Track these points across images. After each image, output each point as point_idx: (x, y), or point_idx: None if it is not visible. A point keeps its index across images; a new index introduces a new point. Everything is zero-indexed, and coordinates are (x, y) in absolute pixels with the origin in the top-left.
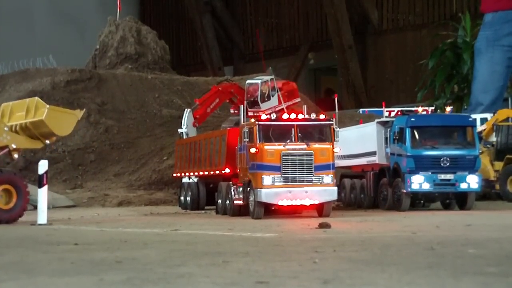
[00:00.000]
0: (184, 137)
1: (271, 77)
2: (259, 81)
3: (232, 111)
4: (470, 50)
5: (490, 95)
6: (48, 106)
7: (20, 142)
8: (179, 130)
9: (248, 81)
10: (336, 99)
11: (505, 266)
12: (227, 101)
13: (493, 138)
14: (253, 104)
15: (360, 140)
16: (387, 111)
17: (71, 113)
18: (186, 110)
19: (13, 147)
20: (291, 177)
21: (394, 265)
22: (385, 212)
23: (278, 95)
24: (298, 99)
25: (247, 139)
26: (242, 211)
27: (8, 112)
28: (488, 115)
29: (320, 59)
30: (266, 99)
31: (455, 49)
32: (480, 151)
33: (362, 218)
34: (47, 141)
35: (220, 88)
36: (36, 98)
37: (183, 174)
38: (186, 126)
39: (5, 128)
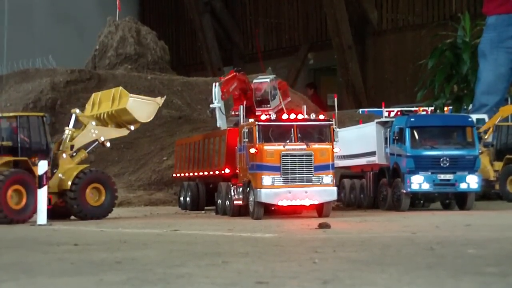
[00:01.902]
0: (217, 113)
1: (274, 76)
2: (268, 80)
3: (232, 112)
4: (470, 50)
5: (495, 97)
6: (130, 95)
7: (107, 134)
8: (211, 106)
9: (255, 80)
10: (335, 100)
11: (504, 266)
12: (239, 91)
13: (490, 138)
14: (261, 103)
15: (359, 140)
16: (386, 111)
17: (152, 100)
18: (214, 84)
19: (102, 140)
20: (290, 177)
21: (394, 265)
22: (385, 212)
23: (279, 95)
24: (289, 99)
25: (247, 140)
26: (241, 212)
27: (97, 101)
28: (484, 116)
29: (319, 59)
30: (272, 99)
31: (455, 49)
32: (480, 151)
33: (362, 218)
34: (132, 127)
35: (237, 74)
36: (120, 87)
37: (183, 175)
38: (218, 100)
39: (93, 123)
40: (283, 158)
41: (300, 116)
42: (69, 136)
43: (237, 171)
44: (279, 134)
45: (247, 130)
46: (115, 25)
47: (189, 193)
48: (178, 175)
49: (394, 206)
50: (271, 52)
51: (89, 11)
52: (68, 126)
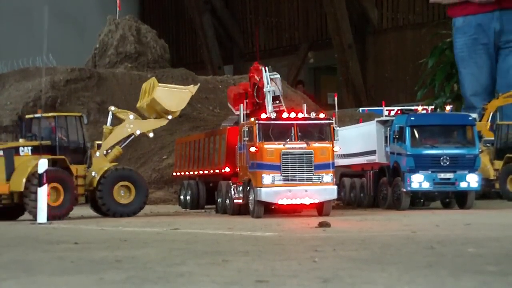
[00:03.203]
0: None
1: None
2: (278, 76)
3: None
4: None
5: (483, 97)
6: (159, 84)
7: (143, 127)
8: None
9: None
10: (336, 98)
11: (504, 265)
12: (250, 86)
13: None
14: (273, 99)
15: (360, 139)
16: (387, 110)
17: (183, 89)
18: (264, 69)
19: (138, 133)
20: (291, 176)
21: (394, 264)
22: (385, 211)
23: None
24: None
25: (247, 138)
26: (242, 210)
27: (143, 92)
28: (475, 115)
29: (320, 58)
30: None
31: None
32: (480, 150)
33: (362, 217)
34: (169, 117)
35: (252, 67)
36: (153, 78)
37: (183, 174)
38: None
39: (130, 117)
40: (283, 157)
41: (300, 115)
42: (105, 134)
43: (237, 169)
44: (279, 132)
45: (247, 129)
46: (115, 24)
47: (189, 192)
48: (178, 173)
49: (394, 205)
50: (271, 51)
51: (89, 10)
52: (106, 125)
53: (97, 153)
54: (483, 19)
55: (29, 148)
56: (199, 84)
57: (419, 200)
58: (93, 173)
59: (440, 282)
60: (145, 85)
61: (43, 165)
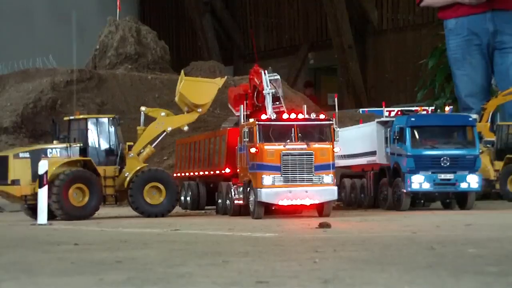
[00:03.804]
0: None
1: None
2: (278, 76)
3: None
4: None
5: (478, 97)
6: (185, 78)
7: (175, 123)
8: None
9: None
10: (336, 99)
11: (505, 265)
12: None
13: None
14: (273, 101)
15: (360, 140)
16: (387, 111)
17: (210, 82)
18: (264, 72)
19: (169, 130)
20: (291, 177)
21: (394, 264)
22: (385, 211)
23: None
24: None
25: (247, 139)
26: (242, 211)
27: (178, 85)
28: (475, 116)
29: (320, 59)
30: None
31: None
32: (480, 150)
33: (362, 218)
34: (199, 110)
35: (252, 70)
36: (182, 71)
37: (183, 175)
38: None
39: (162, 114)
40: (283, 158)
41: (300, 116)
42: (139, 134)
43: (237, 170)
44: (279, 133)
45: (247, 130)
46: (115, 25)
47: (190, 193)
48: (179, 174)
49: (394, 205)
50: (271, 52)
51: (89, 11)
52: (140, 125)
53: (131, 154)
54: (475, 20)
55: (58, 150)
56: (226, 77)
57: (420, 201)
58: (126, 174)
59: (440, 283)
60: (179, 78)
61: (43, 166)
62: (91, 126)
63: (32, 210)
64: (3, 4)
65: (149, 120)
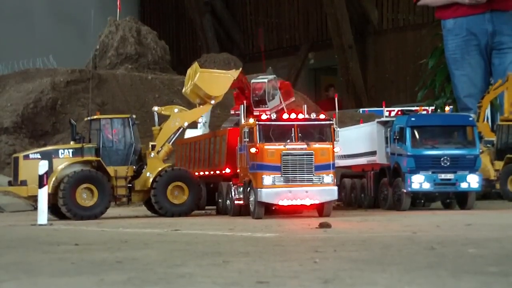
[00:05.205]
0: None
1: (273, 76)
2: (265, 80)
3: (232, 111)
4: None
5: (477, 98)
6: (200, 69)
7: (190, 117)
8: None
9: (253, 80)
10: (336, 99)
11: (505, 265)
12: (237, 89)
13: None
14: (259, 103)
15: (360, 140)
16: (387, 110)
17: (225, 73)
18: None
19: (185, 125)
20: (291, 177)
21: (395, 264)
22: (386, 211)
23: (279, 95)
24: (293, 99)
25: (247, 139)
26: (242, 211)
27: (189, 77)
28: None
29: (320, 59)
30: (271, 99)
31: None
32: (481, 150)
33: (363, 218)
34: (212, 101)
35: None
36: (195, 63)
37: None
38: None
39: (175, 110)
40: (283, 158)
41: (300, 116)
42: (155, 135)
43: (237, 170)
44: (279, 133)
45: (247, 130)
46: (116, 25)
47: None
48: None
49: (394, 205)
50: (271, 52)
51: (89, 11)
52: (155, 126)
53: (152, 154)
54: (474, 20)
55: (70, 150)
56: (240, 69)
57: (420, 200)
58: (147, 174)
59: (440, 283)
60: (189, 70)
61: (43, 167)
62: (104, 127)
63: (52, 210)
64: (3, 4)
65: (149, 120)
